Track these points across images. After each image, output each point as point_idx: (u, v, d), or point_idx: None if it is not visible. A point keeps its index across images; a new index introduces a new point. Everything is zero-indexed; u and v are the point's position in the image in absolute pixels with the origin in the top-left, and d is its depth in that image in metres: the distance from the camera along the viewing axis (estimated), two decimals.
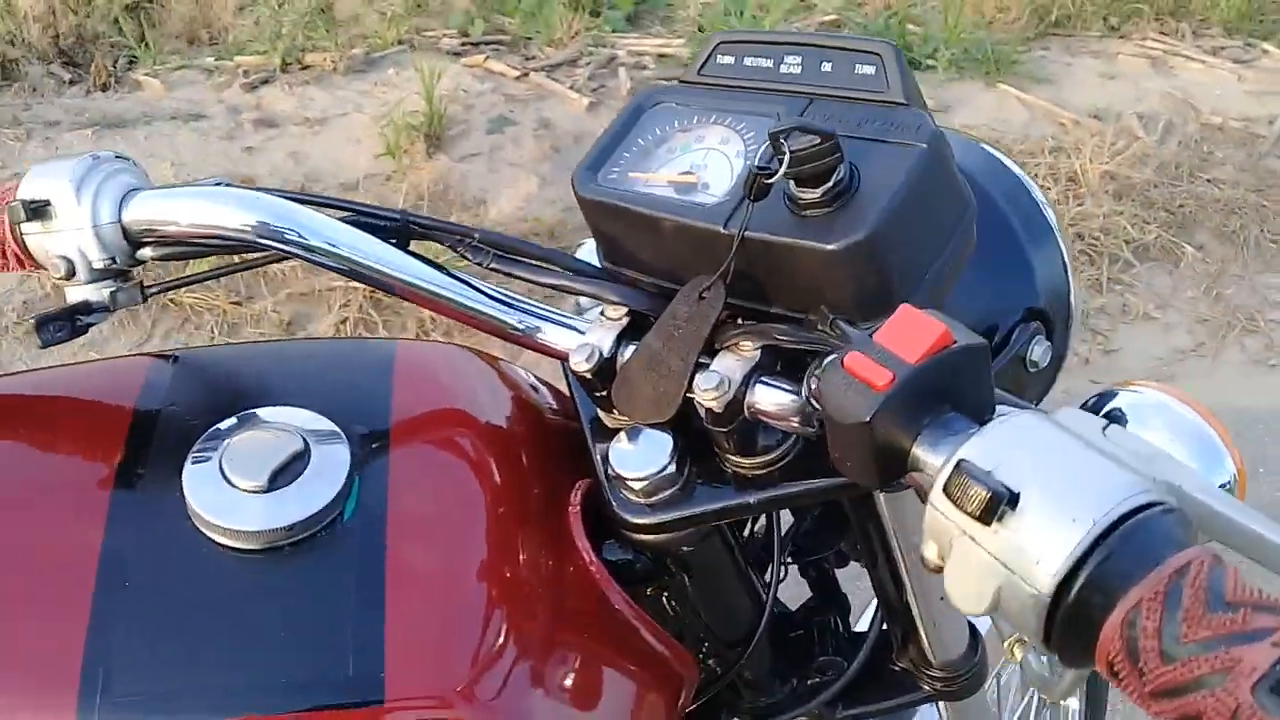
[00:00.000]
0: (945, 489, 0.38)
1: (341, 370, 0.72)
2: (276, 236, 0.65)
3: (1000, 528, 0.37)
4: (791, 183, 0.62)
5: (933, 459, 0.42)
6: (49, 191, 0.66)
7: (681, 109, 0.72)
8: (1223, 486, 0.65)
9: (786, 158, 0.59)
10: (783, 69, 0.70)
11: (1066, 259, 0.79)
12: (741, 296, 0.67)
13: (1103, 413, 0.69)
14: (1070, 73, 3.81)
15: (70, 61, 3.75)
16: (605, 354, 0.68)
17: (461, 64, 3.71)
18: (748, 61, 0.72)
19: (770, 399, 0.63)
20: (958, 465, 0.38)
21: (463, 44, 4.33)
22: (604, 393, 0.68)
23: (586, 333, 0.69)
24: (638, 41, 4.03)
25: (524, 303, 0.70)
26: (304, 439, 0.63)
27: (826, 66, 0.68)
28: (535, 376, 0.84)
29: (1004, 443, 0.39)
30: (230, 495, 0.61)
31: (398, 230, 0.69)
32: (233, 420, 0.65)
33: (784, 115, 0.68)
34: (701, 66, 0.73)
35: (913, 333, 0.43)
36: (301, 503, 0.61)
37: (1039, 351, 0.76)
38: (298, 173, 3.00)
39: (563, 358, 0.70)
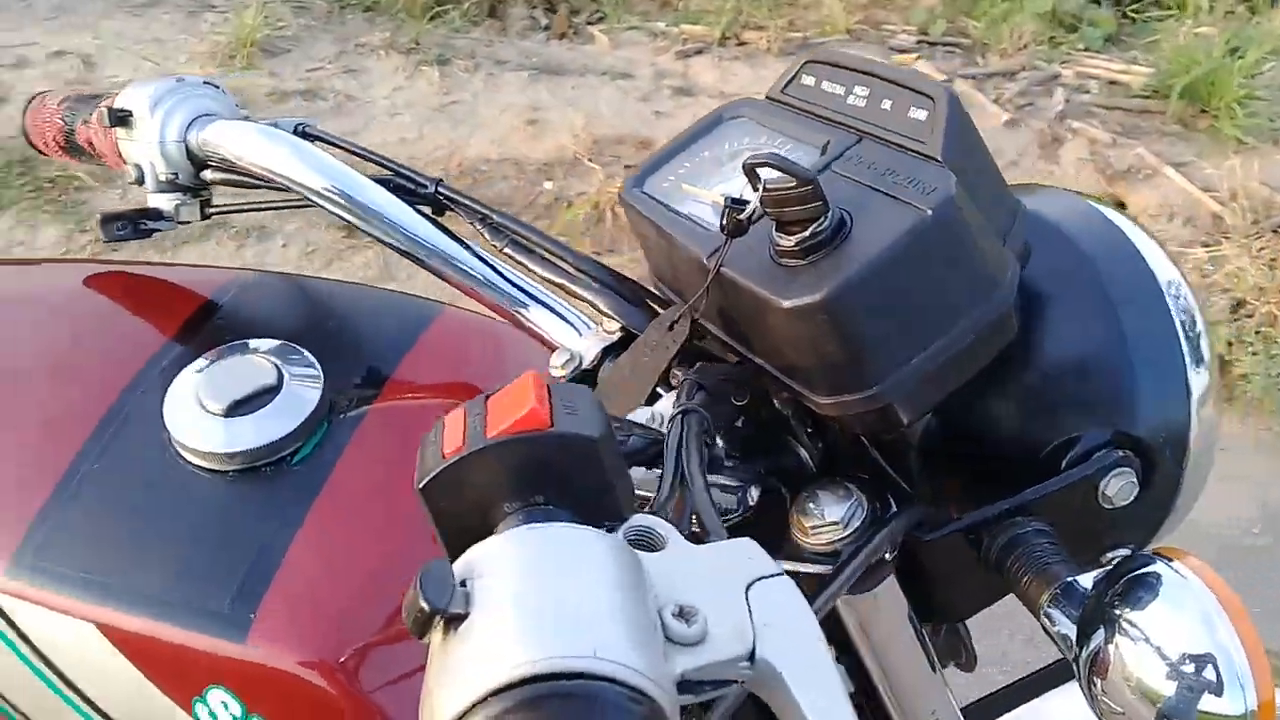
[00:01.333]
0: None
1: (372, 322, 0.74)
2: (316, 191, 0.68)
3: (438, 649, 0.31)
4: (775, 225, 0.55)
5: None
6: (134, 104, 0.73)
7: (758, 126, 0.67)
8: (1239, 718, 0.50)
9: (759, 193, 0.53)
10: (849, 100, 0.62)
11: (1195, 388, 0.63)
12: (731, 336, 0.61)
13: (1129, 576, 0.55)
14: None
15: (551, 8, 4.09)
16: (586, 364, 0.65)
17: (892, 61, 3.62)
18: (824, 86, 0.65)
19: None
20: (424, 566, 0.32)
21: (918, 42, 4.23)
22: None
23: (584, 336, 0.66)
24: (1094, 64, 3.72)
25: (534, 288, 0.68)
26: (280, 377, 0.65)
27: (886, 104, 0.60)
28: None
29: (510, 553, 0.32)
30: (193, 413, 0.64)
31: (428, 197, 0.70)
32: (238, 344, 0.69)
33: (829, 149, 0.61)
34: (786, 85, 0.67)
35: (510, 403, 0.36)
36: (250, 434, 0.63)
37: (1116, 486, 0.61)
38: None
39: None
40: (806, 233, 0.53)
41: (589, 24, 3.92)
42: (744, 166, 0.53)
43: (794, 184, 0.52)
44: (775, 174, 0.52)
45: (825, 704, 0.31)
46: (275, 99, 3.16)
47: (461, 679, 0.29)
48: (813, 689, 0.31)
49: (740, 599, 0.33)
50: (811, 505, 0.58)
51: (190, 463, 0.64)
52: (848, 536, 0.57)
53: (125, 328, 0.74)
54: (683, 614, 0.32)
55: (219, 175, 0.74)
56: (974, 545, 0.62)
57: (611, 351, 0.64)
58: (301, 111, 3.12)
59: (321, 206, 0.68)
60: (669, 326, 0.60)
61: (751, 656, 0.32)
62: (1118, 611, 0.54)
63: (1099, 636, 0.55)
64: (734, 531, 0.62)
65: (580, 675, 0.28)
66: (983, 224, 0.55)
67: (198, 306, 0.74)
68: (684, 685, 0.32)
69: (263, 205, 0.76)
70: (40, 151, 0.83)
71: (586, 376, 0.64)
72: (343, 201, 0.68)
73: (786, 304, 0.53)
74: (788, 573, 0.60)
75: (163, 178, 0.74)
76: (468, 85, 3.30)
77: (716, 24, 3.72)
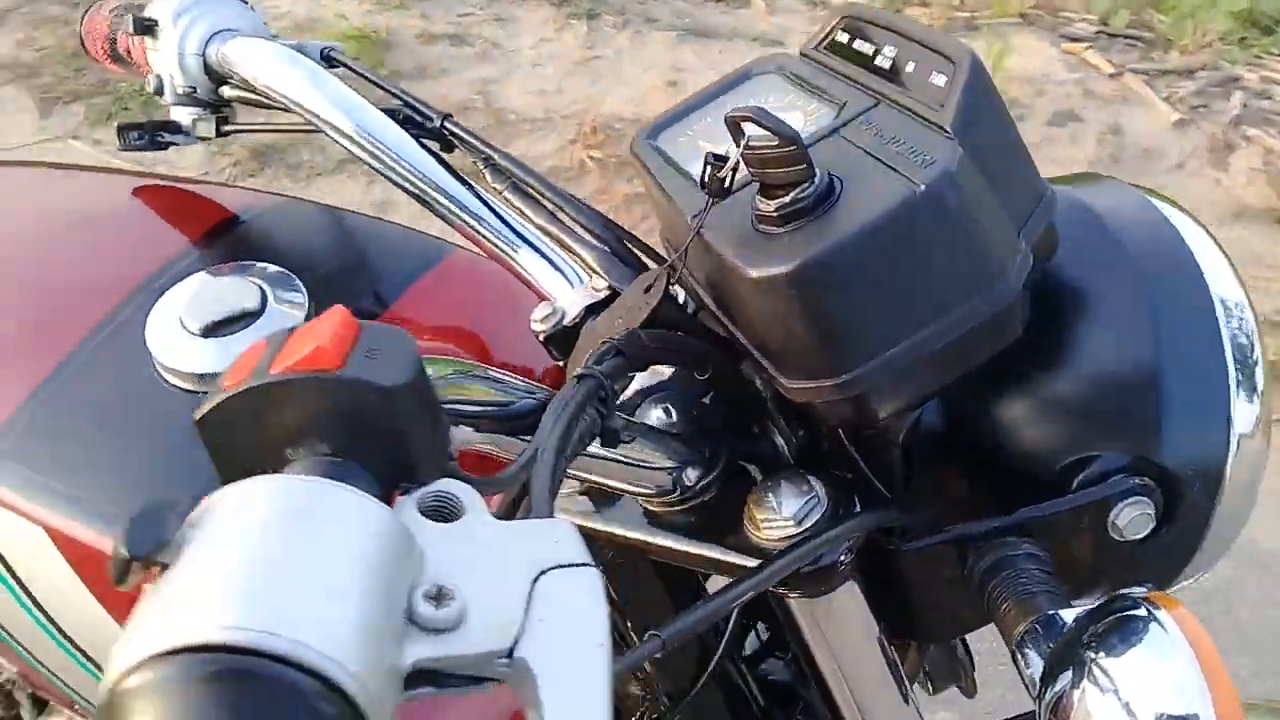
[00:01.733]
0: None
1: (379, 256, 0.72)
2: (323, 118, 0.67)
3: (141, 600, 0.28)
4: (759, 187, 0.50)
5: None
6: (160, 14, 0.72)
7: (786, 82, 0.62)
8: None
9: (740, 150, 0.49)
10: (877, 60, 0.57)
11: (1239, 420, 0.55)
12: (717, 305, 0.57)
13: (1109, 618, 0.49)
14: None
15: None
16: (568, 321, 0.61)
17: (1060, 49, 3.44)
18: (856, 44, 0.59)
19: (655, 420, 0.53)
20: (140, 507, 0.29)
21: (1097, 32, 4.00)
22: (562, 361, 0.62)
23: (574, 289, 0.63)
24: None
25: (531, 235, 0.65)
26: (264, 301, 0.64)
27: (910, 66, 0.54)
28: None
29: (237, 506, 0.28)
30: (172, 331, 0.63)
31: (435, 132, 0.67)
32: (236, 265, 0.67)
33: (844, 112, 0.55)
34: (821, 40, 0.62)
35: (308, 338, 0.33)
36: (224, 357, 0.62)
37: (1128, 517, 0.54)
38: None
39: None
40: (787, 198, 0.48)
41: None
42: (726, 120, 0.49)
43: (777, 143, 0.47)
44: (760, 131, 0.48)
45: None
46: (423, 41, 3.19)
47: (135, 637, 0.26)
48: (567, 701, 0.27)
49: (522, 587, 0.29)
50: (770, 497, 0.54)
51: (166, 380, 0.63)
52: (800, 534, 0.52)
53: (140, 239, 0.74)
54: (439, 595, 0.28)
55: (237, 93, 0.73)
56: (960, 562, 0.56)
57: (595, 310, 0.61)
58: (447, 58, 3.15)
59: (329, 135, 0.67)
60: (646, 289, 0.56)
61: (511, 653, 0.28)
62: (1091, 655, 0.48)
63: (1065, 679, 0.49)
64: (697, 514, 0.58)
65: (253, 652, 0.24)
66: (993, 206, 0.49)
67: (213, 225, 0.74)
68: (423, 676, 0.28)
69: (278, 127, 0.75)
70: (93, 59, 0.84)
71: (569, 333, 0.61)
72: (348, 132, 0.66)
73: (754, 274, 0.48)
74: (730, 564, 0.56)
75: (180, 90, 0.73)
76: (613, 42, 3.27)
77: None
